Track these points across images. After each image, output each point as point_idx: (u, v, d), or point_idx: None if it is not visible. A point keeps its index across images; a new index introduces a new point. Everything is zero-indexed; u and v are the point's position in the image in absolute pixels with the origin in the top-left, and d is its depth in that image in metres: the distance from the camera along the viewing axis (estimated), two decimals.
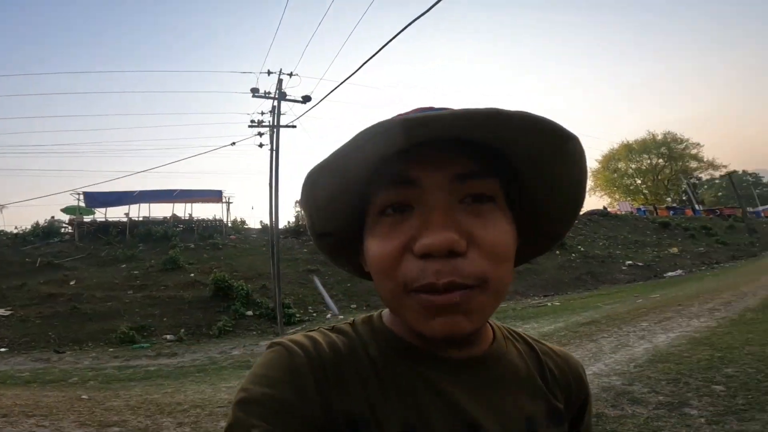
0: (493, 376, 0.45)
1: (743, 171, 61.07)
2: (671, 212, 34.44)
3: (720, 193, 55.64)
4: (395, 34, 7.29)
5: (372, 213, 0.42)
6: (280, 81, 12.65)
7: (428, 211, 0.38)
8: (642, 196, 48.10)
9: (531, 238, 0.46)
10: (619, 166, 51.66)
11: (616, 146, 52.34)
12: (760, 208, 45.08)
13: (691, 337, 5.65)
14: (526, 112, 0.36)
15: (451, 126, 0.36)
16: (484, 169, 0.40)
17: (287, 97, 12.69)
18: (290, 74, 12.55)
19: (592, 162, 53.15)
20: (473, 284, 0.37)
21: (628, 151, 50.87)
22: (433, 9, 6.19)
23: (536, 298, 12.81)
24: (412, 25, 6.71)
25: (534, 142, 0.38)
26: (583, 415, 0.53)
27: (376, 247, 0.40)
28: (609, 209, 33.58)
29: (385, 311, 0.49)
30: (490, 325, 0.50)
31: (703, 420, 2.62)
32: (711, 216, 35.59)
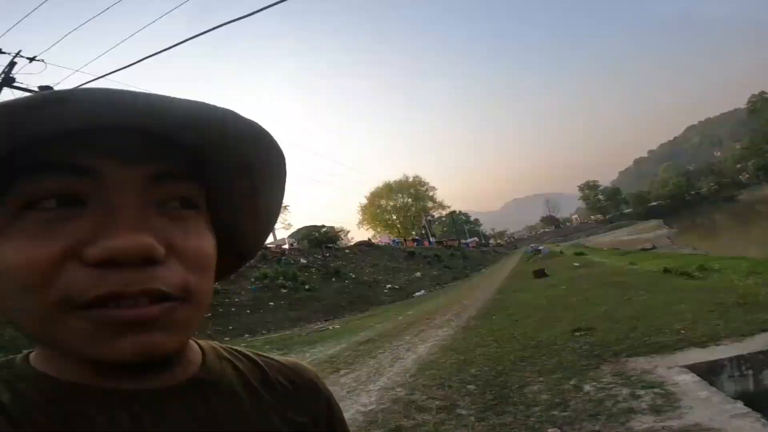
0: (207, 406, 0.38)
1: (459, 211, 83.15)
2: (415, 243, 43.13)
3: (444, 228, 73.62)
4: (168, 46, 6.69)
5: (5, 204, 0.31)
6: (12, 64, 9.31)
7: (112, 210, 0.31)
8: (396, 230, 58.19)
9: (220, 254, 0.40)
10: (382, 203, 61.30)
11: (380, 185, 62.23)
12: (469, 240, 62.39)
13: (441, 344, 6.99)
14: (257, 124, 0.35)
15: (172, 118, 0.31)
16: (189, 172, 0.36)
17: (15, 84, 9.42)
18: (31, 58, 9.41)
19: (361, 198, 61.30)
20: (178, 295, 0.32)
21: (389, 190, 61.09)
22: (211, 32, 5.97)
23: (318, 322, 13.33)
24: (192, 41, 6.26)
25: (254, 154, 0.37)
26: (333, 422, 0.49)
27: (16, 252, 0.29)
28: (373, 240, 39.14)
29: (35, 352, 0.37)
30: (199, 345, 0.43)
31: (473, 418, 3.27)
32: (440, 246, 46.35)
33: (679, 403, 2.48)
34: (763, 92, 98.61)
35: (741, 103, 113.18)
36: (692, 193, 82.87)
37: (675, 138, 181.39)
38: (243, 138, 0.35)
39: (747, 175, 78.41)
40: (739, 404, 2.16)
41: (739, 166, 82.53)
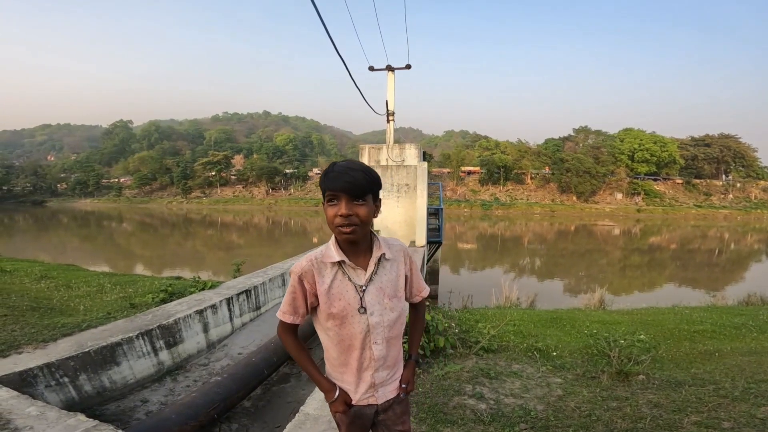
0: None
1: None
2: None
3: None
4: None
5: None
6: None
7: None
8: None
9: None
10: None
11: None
12: None
13: None
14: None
15: None
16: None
17: None
18: None
19: None
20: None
21: None
22: None
23: None
24: None
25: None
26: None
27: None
28: None
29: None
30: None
31: None
32: None
33: (13, 424, 1.90)
34: (130, 121, 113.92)
35: (107, 122, 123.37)
36: (4, 188, 75.28)
37: (23, 129, 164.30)
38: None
39: (65, 186, 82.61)
40: (81, 416, 1.96)
41: (63, 175, 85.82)
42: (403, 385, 1.41)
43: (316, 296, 1.27)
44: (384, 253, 1.31)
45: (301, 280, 1.26)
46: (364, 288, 1.27)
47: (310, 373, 1.34)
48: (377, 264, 1.29)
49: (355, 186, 1.17)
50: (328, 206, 1.20)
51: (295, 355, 1.34)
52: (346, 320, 1.27)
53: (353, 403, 1.34)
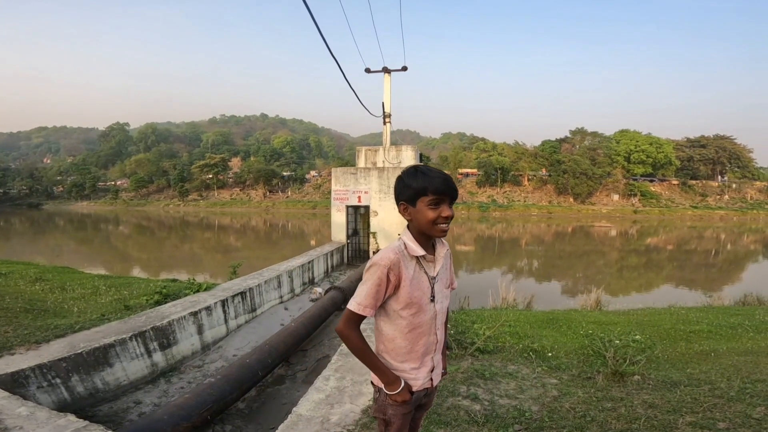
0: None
1: None
2: None
3: None
4: None
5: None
6: None
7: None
8: None
9: None
10: None
11: None
12: None
13: None
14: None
15: None
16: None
17: None
18: None
19: None
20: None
21: None
22: None
23: None
24: None
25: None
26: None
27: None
28: None
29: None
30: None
31: None
32: None
33: (3, 424, 1.88)
34: (126, 123, 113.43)
35: (103, 125, 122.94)
36: (0, 191, 74.84)
37: (19, 132, 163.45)
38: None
39: (61, 188, 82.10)
40: (71, 416, 1.95)
41: (59, 178, 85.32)
42: (443, 371, 1.59)
43: (395, 288, 1.34)
44: (448, 249, 1.49)
45: (388, 272, 1.31)
46: (435, 279, 1.41)
47: (376, 364, 1.39)
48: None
49: (456, 192, 1.36)
50: (428, 208, 1.32)
51: (361, 348, 1.37)
52: (421, 308, 1.38)
53: (414, 390, 1.43)
